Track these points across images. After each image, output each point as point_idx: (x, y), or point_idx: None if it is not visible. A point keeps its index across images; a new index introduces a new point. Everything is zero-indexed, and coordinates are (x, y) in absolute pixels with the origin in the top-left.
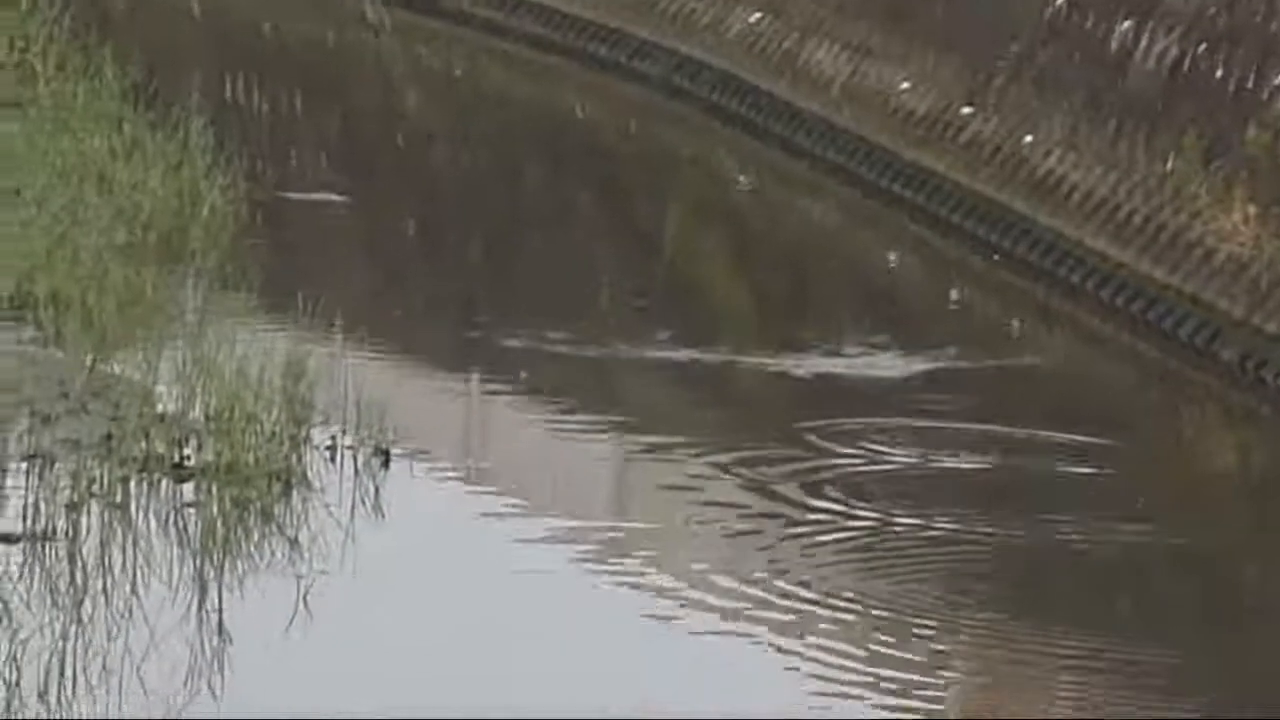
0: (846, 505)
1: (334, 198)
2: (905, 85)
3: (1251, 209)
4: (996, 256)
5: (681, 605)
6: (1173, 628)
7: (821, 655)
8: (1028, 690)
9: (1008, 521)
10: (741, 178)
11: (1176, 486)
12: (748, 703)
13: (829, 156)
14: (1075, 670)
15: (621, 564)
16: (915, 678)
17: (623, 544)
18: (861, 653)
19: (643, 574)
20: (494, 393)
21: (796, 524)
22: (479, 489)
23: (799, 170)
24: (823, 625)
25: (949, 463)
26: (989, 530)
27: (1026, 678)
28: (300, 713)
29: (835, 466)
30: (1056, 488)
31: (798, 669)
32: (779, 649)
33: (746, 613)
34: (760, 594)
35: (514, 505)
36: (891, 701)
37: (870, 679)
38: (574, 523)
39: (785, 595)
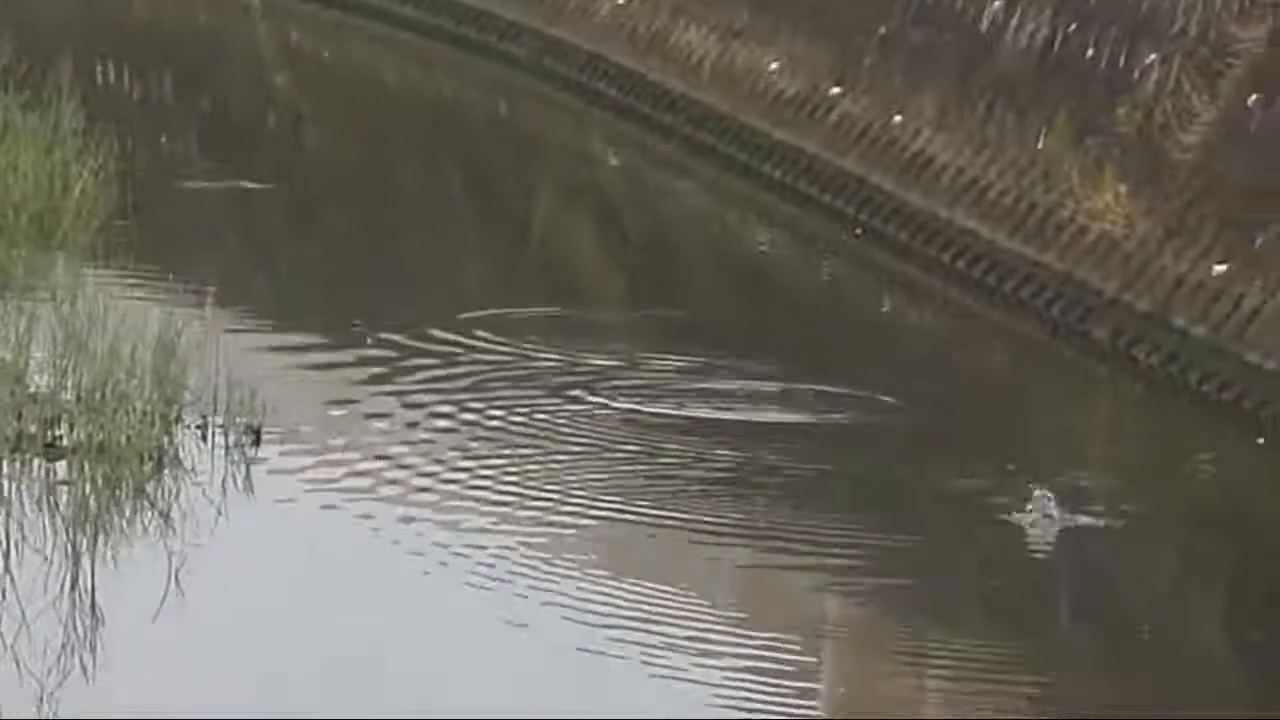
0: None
1: (205, 180)
2: (774, 66)
3: (1122, 188)
4: (860, 232)
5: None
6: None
7: None
8: None
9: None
10: (611, 158)
11: (1032, 453)
12: None
13: (699, 137)
14: None
15: (485, 534)
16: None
17: (486, 515)
18: None
19: (519, 544)
20: (362, 371)
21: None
22: (348, 466)
23: (668, 151)
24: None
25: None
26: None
27: None
28: (171, 693)
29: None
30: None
31: None
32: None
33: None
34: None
35: (383, 481)
36: None
37: None
38: (441, 498)
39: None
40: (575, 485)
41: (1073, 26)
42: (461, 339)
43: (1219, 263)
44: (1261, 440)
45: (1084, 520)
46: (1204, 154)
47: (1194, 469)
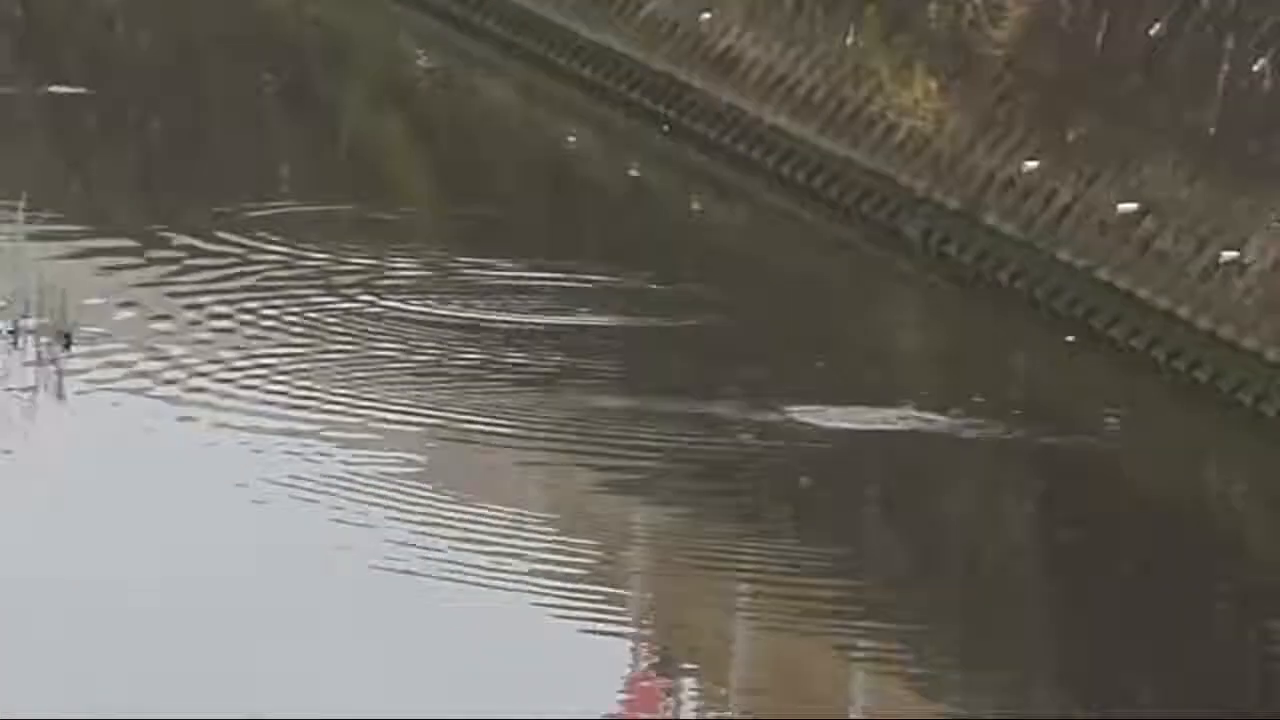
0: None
1: (12, 86)
2: None
3: (933, 84)
4: (667, 128)
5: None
6: None
7: None
8: None
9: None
10: (421, 59)
11: (842, 351)
12: None
13: (508, 36)
14: None
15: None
16: None
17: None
18: None
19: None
20: (174, 277)
21: None
22: (159, 372)
23: (479, 50)
24: None
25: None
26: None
27: None
28: None
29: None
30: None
31: None
32: None
33: None
34: None
35: (192, 386)
36: None
37: None
38: (250, 399)
39: None
40: (363, 385)
41: None
42: (245, 240)
43: (1030, 159)
44: (1071, 338)
45: (893, 418)
46: (1014, 49)
47: (1004, 366)
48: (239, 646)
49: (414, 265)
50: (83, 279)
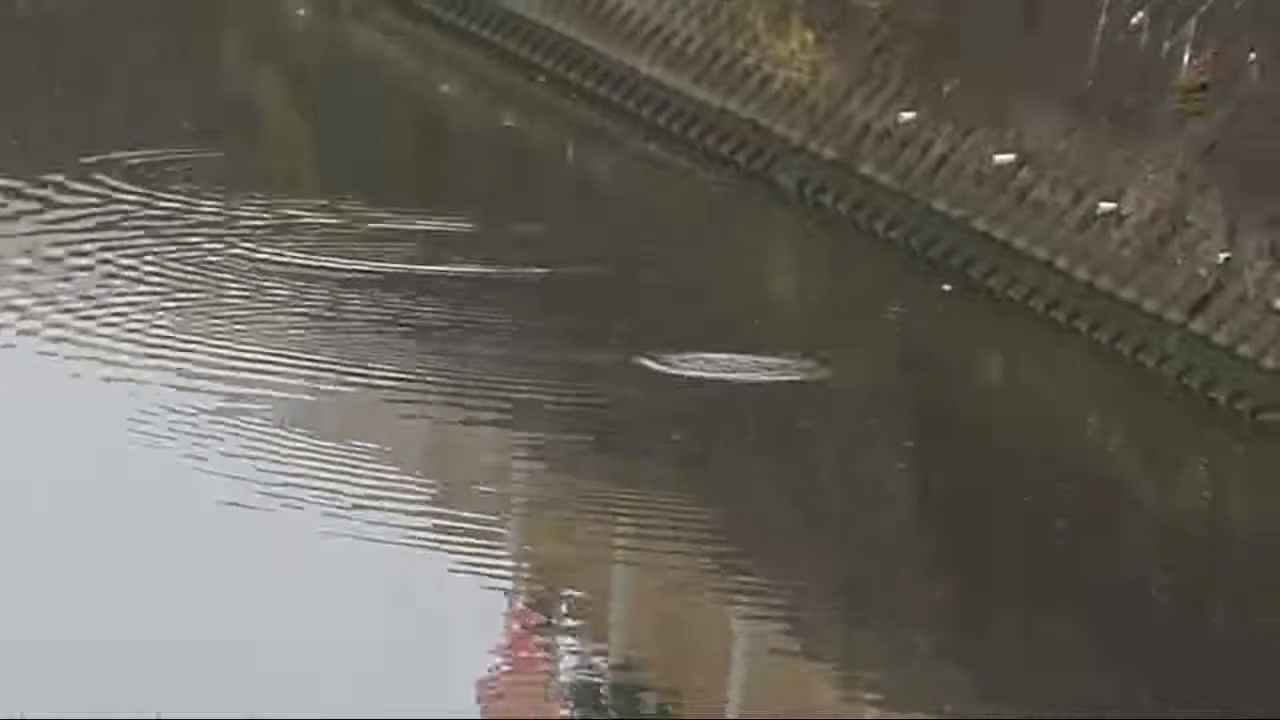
0: None
1: None
2: None
3: (809, 35)
4: (541, 79)
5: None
6: None
7: None
8: None
9: None
10: (299, 10)
11: (716, 302)
12: None
13: None
14: None
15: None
16: None
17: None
18: None
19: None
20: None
21: None
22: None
23: None
24: None
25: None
26: None
27: None
28: None
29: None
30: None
31: None
32: None
33: None
34: None
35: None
36: None
37: None
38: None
39: None
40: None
41: None
42: (120, 183)
43: (906, 110)
44: (948, 287)
45: (771, 368)
46: (891, 1)
47: (881, 316)
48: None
49: (276, 214)
50: None
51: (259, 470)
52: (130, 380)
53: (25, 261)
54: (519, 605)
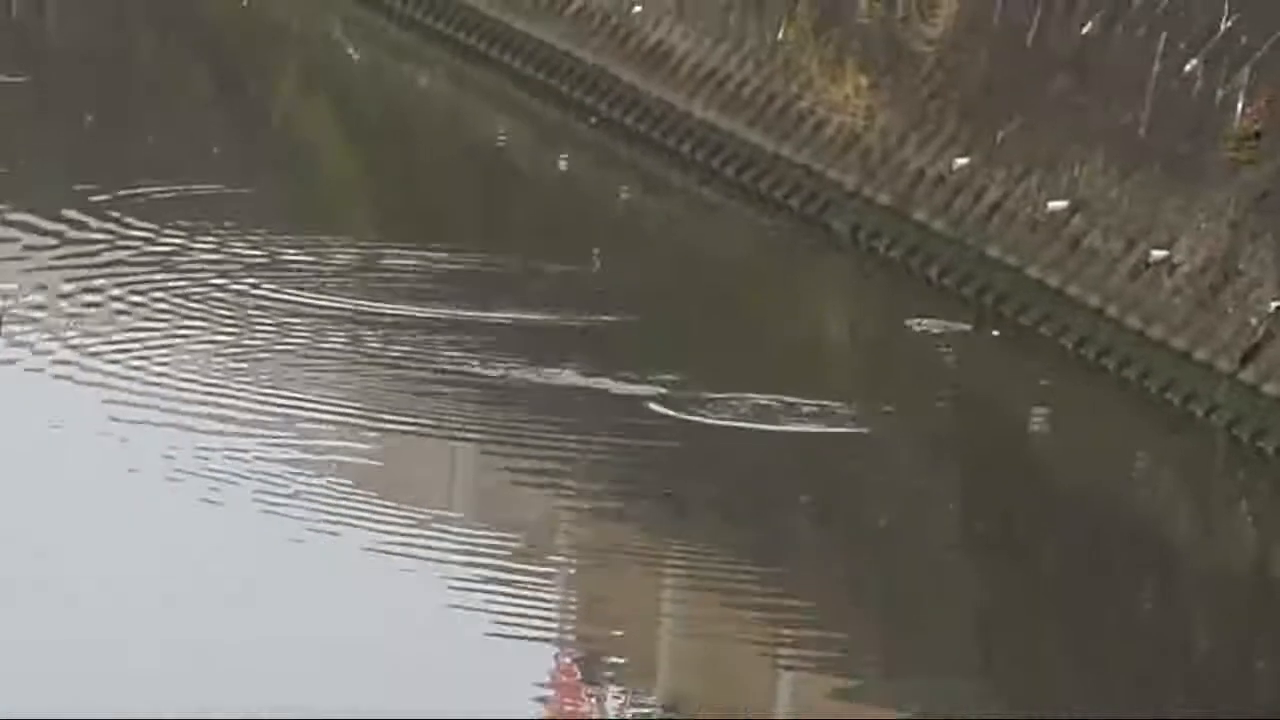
0: None
1: None
2: None
3: (863, 80)
4: (595, 121)
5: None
6: None
7: None
8: None
9: None
10: (352, 50)
11: (768, 346)
12: None
13: (438, 28)
14: None
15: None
16: None
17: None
18: None
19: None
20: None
21: None
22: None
23: (408, 40)
24: None
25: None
26: None
27: None
28: None
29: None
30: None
31: None
32: None
33: None
34: None
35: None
36: None
37: None
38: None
39: None
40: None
41: None
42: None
43: (960, 156)
44: (996, 333)
45: (826, 416)
46: (946, 47)
47: (936, 362)
48: None
49: (343, 257)
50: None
51: (297, 516)
52: (171, 425)
53: (90, 297)
54: (566, 659)
